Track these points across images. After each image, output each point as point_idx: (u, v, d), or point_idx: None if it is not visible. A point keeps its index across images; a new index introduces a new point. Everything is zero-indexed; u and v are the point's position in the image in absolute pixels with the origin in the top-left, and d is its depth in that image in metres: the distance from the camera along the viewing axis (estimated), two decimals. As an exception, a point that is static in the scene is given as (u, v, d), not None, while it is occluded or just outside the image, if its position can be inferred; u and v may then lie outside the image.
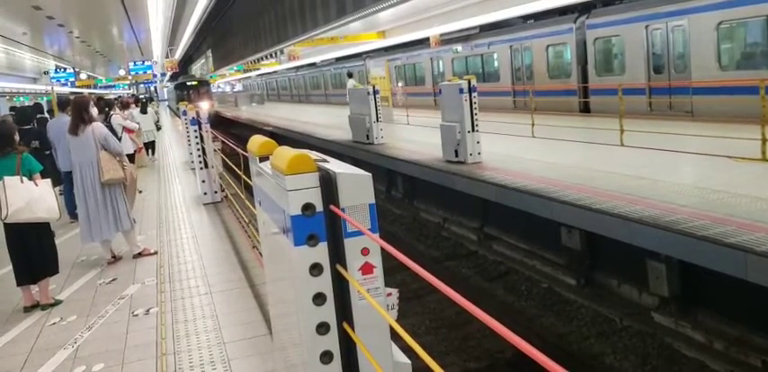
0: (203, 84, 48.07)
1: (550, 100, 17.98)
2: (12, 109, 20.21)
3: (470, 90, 10.34)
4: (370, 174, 2.29)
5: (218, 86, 74.95)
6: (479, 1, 19.30)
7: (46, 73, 39.58)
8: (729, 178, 7.77)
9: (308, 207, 2.21)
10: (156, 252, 7.51)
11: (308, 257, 2.23)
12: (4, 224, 5.77)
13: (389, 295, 2.46)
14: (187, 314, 5.36)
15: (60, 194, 9.41)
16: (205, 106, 35.16)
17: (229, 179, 11.22)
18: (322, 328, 2.26)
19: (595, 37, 16.82)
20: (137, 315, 5.47)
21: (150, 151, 18.36)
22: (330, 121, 22.86)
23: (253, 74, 57.59)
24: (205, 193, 10.60)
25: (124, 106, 15.46)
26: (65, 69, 39.15)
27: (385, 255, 2.19)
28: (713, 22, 13.15)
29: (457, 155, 10.71)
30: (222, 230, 8.55)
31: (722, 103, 12.24)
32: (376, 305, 2.15)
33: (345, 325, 2.28)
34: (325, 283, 2.26)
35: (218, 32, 38.74)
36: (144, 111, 18.30)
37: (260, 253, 5.57)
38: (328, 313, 2.27)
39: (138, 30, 28.93)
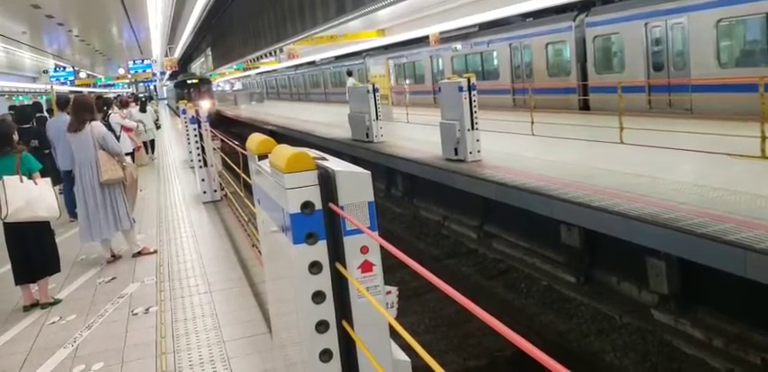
0: (204, 82, 46.54)
1: (550, 98, 17.98)
2: (11, 108, 20.18)
3: (470, 88, 10.33)
4: (369, 172, 2.29)
5: (218, 85, 74.89)
6: (478, -1, 19.29)
7: (45, 72, 39.55)
8: (729, 175, 7.77)
9: (306, 205, 2.20)
10: (155, 251, 7.51)
11: (307, 255, 2.23)
12: (4, 223, 5.76)
13: (389, 293, 2.46)
14: (186, 313, 5.36)
15: (60, 193, 9.40)
16: (206, 105, 35.14)
17: (229, 177, 11.22)
18: (321, 326, 2.26)
19: (595, 35, 16.81)
20: (136, 314, 5.47)
21: (150, 150, 18.36)
22: (330, 120, 22.86)
23: (252, 72, 57.53)
24: (204, 192, 10.60)
25: (123, 105, 15.44)
26: (64, 68, 39.13)
27: (384, 253, 2.18)
28: (712, 20, 13.14)
29: (456, 153, 10.71)
30: (222, 229, 8.55)
31: (721, 101, 12.23)
32: (375, 303, 2.15)
33: (345, 323, 2.27)
34: (324, 281, 2.25)
35: (218, 31, 38.73)
36: (143, 110, 18.29)
37: (259, 252, 5.57)
38: (328, 311, 2.26)
39: (137, 28, 28.92)
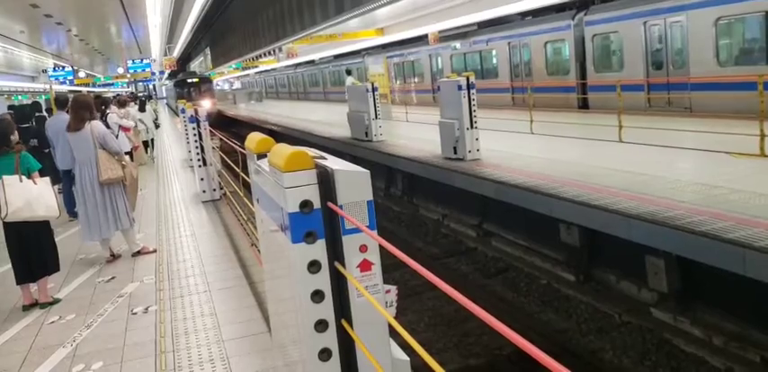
0: (205, 81, 45.09)
1: (549, 96, 17.99)
2: (10, 107, 20.18)
3: (469, 87, 10.33)
4: (368, 171, 2.29)
5: (217, 84, 74.85)
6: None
7: (44, 71, 39.52)
8: (728, 174, 7.77)
9: (305, 204, 2.20)
10: (155, 251, 7.51)
11: (306, 254, 2.23)
12: (3, 222, 5.76)
13: (388, 292, 2.46)
14: (186, 312, 5.36)
15: (59, 193, 9.40)
16: (207, 105, 34.98)
17: (228, 176, 11.21)
18: (320, 325, 2.25)
19: (594, 33, 16.81)
20: (135, 314, 5.47)
21: (150, 149, 18.35)
22: (331, 119, 22.86)
23: (251, 71, 57.48)
24: (204, 191, 10.60)
25: (121, 105, 15.43)
26: (63, 67, 39.09)
27: (384, 252, 2.18)
28: (711, 18, 13.14)
29: (456, 152, 10.71)
30: (221, 228, 8.54)
31: (721, 99, 12.24)
32: (374, 302, 2.15)
33: (344, 322, 2.27)
34: (323, 280, 2.25)
35: (217, 30, 38.61)
36: (142, 109, 18.28)
37: (258, 251, 5.57)
38: (327, 310, 2.26)
39: (136, 27, 28.90)
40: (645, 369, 6.98)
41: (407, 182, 15.01)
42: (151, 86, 69.59)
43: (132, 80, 49.30)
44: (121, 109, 14.55)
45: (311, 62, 43.00)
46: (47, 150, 10.12)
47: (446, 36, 24.17)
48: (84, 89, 43.34)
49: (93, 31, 29.76)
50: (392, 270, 9.55)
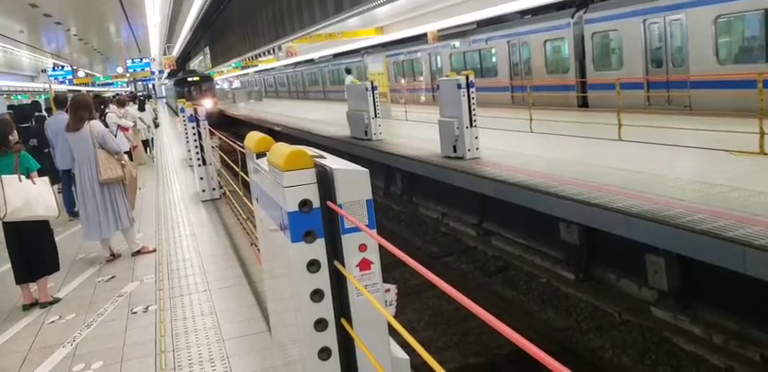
0: (206, 80, 43.47)
1: (548, 95, 17.98)
2: (10, 107, 20.16)
3: (468, 85, 10.33)
4: (368, 170, 2.29)
5: (217, 83, 74.72)
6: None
7: (44, 71, 39.45)
8: (728, 172, 7.77)
9: (305, 203, 2.20)
10: (154, 250, 7.50)
11: (305, 253, 2.22)
12: (3, 222, 5.76)
13: (387, 291, 2.46)
14: (186, 312, 5.36)
15: (59, 192, 9.40)
16: (208, 104, 34.78)
17: (227, 176, 11.21)
18: (320, 324, 2.25)
19: (593, 32, 16.81)
20: (135, 313, 5.47)
21: (150, 148, 18.35)
22: (331, 118, 22.86)
23: (250, 70, 57.43)
24: (203, 190, 10.60)
25: (120, 104, 15.43)
26: (62, 67, 39.01)
27: (384, 251, 2.18)
28: (711, 16, 13.13)
29: (455, 151, 10.71)
30: (220, 227, 8.54)
31: (720, 97, 12.23)
32: (374, 301, 2.15)
33: (344, 321, 2.27)
34: (322, 279, 2.25)
35: (216, 29, 38.53)
36: (142, 109, 18.27)
37: (258, 250, 5.57)
38: (326, 309, 2.26)
39: (135, 27, 28.85)
40: (645, 368, 6.99)
41: (407, 181, 15.02)
42: (150, 86, 69.53)
43: (132, 79, 49.20)
44: (121, 108, 14.55)
45: (310, 61, 42.90)
46: (46, 150, 10.11)
47: (445, 35, 24.15)
48: (83, 88, 43.30)
49: (92, 31, 29.72)
50: (392, 268, 9.56)
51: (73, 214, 9.25)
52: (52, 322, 5.46)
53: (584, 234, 8.81)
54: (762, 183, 6.98)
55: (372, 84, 14.58)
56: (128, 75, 42.03)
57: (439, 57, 25.96)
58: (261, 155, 2.75)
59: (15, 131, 6.14)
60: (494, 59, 22.16)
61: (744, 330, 6.76)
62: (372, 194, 2.31)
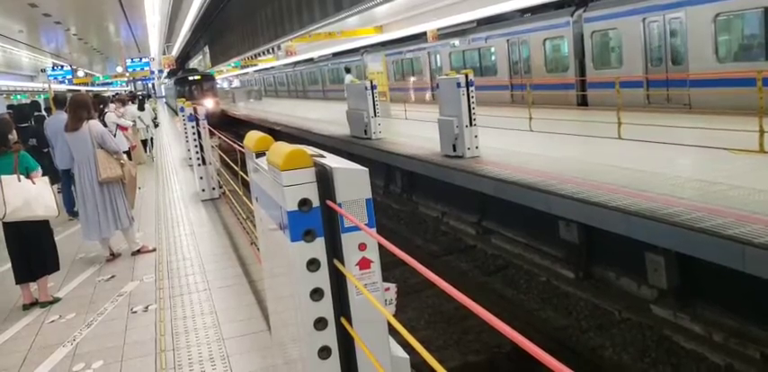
0: (207, 78, 41.57)
1: (548, 93, 17.98)
2: (9, 107, 20.16)
3: (468, 84, 10.33)
4: (367, 169, 2.29)
5: (216, 82, 74.58)
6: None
7: (43, 70, 39.42)
8: (727, 170, 7.77)
9: (304, 202, 2.20)
10: (154, 249, 7.51)
11: (305, 252, 2.23)
12: (3, 222, 5.76)
13: (387, 290, 2.46)
14: (186, 311, 5.36)
15: (58, 192, 9.40)
16: (209, 104, 34.52)
17: (227, 175, 11.21)
18: (320, 323, 2.26)
19: (593, 30, 16.80)
20: (135, 312, 5.48)
21: (150, 148, 18.35)
22: (331, 117, 22.86)
23: (250, 69, 57.38)
24: (203, 190, 10.60)
25: (120, 103, 15.43)
26: (62, 67, 38.99)
27: (383, 250, 2.18)
28: (710, 15, 13.13)
29: (455, 150, 10.70)
30: (220, 226, 8.54)
31: (720, 96, 12.23)
32: (373, 300, 2.15)
33: (343, 320, 2.27)
34: (322, 278, 2.25)
35: (216, 28, 38.46)
36: (141, 108, 18.27)
37: (258, 249, 5.58)
38: (326, 308, 2.26)
39: (134, 26, 28.84)
40: (645, 366, 6.99)
41: (407, 180, 15.02)
42: (150, 85, 69.51)
43: (131, 79, 49.16)
44: (120, 107, 14.54)
45: (310, 60, 42.82)
46: (46, 150, 10.10)
47: (445, 33, 24.13)
48: (83, 88, 43.24)
49: (91, 30, 29.71)
50: (391, 267, 9.56)
51: (72, 214, 9.25)
52: (52, 321, 5.46)
53: (583, 232, 8.82)
54: (761, 181, 6.98)
55: (372, 83, 14.58)
56: (127, 74, 42.01)
57: (438, 56, 25.95)
58: (260, 154, 2.75)
59: (15, 131, 6.14)
60: (493, 58, 22.15)
61: (743, 328, 6.77)
62: (372, 193, 2.31)
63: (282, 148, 2.27)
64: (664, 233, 6.06)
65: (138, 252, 7.38)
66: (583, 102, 17.31)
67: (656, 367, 6.91)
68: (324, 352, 2.27)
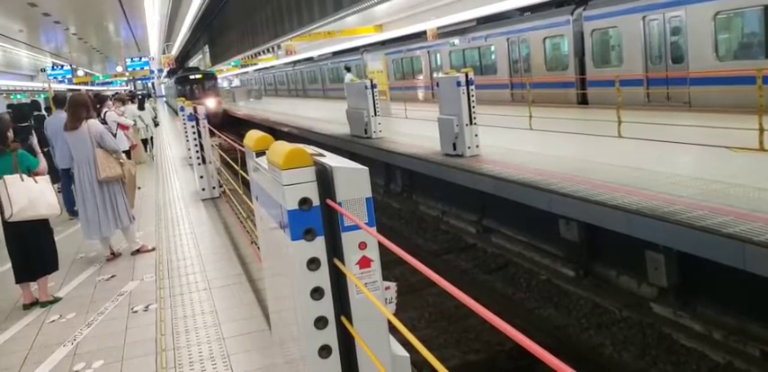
0: (209, 77, 40.04)
1: (548, 92, 17.97)
2: (9, 106, 20.15)
3: (468, 83, 10.32)
4: (367, 168, 2.29)
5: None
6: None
7: (43, 70, 39.44)
8: (727, 168, 7.77)
9: (304, 201, 2.20)
10: (154, 249, 7.51)
11: (305, 251, 2.23)
12: (3, 222, 5.76)
13: (387, 289, 2.46)
14: (186, 310, 5.37)
15: (58, 191, 9.40)
16: (211, 104, 34.28)
17: (227, 174, 11.20)
18: (320, 322, 2.26)
19: (592, 29, 16.79)
20: (136, 312, 5.48)
21: (150, 147, 18.35)
22: (331, 116, 22.86)
23: (250, 69, 57.37)
24: (203, 189, 10.60)
25: (120, 102, 15.43)
26: (62, 66, 39.01)
27: (383, 249, 2.18)
28: (710, 13, 13.12)
29: (455, 149, 10.70)
30: (221, 226, 8.55)
31: (720, 94, 12.23)
32: (374, 299, 2.15)
33: (344, 319, 2.27)
34: (322, 277, 2.25)
35: (215, 28, 38.43)
36: (141, 108, 18.28)
37: (258, 248, 5.58)
38: (326, 307, 2.26)
39: (134, 26, 28.86)
40: (645, 364, 6.99)
41: (407, 179, 15.01)
42: (150, 85, 69.51)
43: (131, 78, 49.12)
44: (120, 107, 14.54)
45: (310, 59, 42.77)
46: (45, 149, 10.09)
47: (445, 32, 24.12)
48: (82, 87, 43.21)
49: (91, 30, 29.72)
50: (392, 266, 9.55)
51: (73, 213, 9.25)
52: (53, 321, 5.47)
53: (583, 231, 8.81)
54: (761, 180, 6.98)
55: (372, 81, 14.57)
56: (127, 73, 41.98)
57: (438, 55, 25.94)
58: (260, 153, 2.76)
59: (12, 130, 6.13)
60: (493, 57, 22.14)
61: (744, 326, 6.77)
62: (372, 192, 2.31)
63: (282, 147, 2.27)
64: (664, 231, 6.06)
65: (138, 251, 7.39)
66: (583, 101, 17.31)
67: (656, 366, 6.91)
68: (324, 351, 2.27)
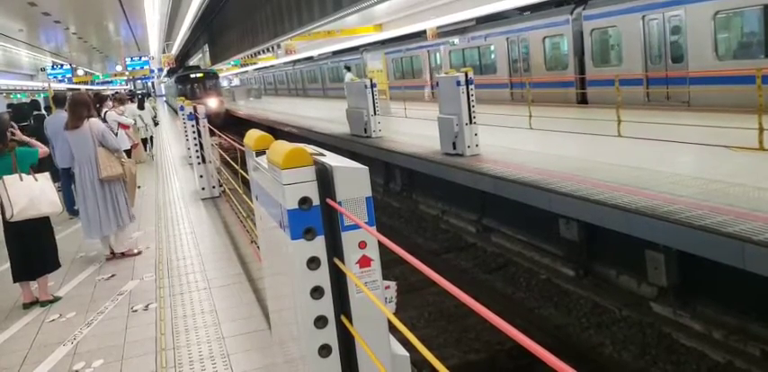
0: (210, 76, 39.01)
1: (548, 91, 17.97)
2: (9, 106, 20.16)
3: (467, 82, 10.32)
4: (367, 167, 2.29)
5: (217, 81, 74.38)
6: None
7: (43, 69, 39.40)
8: (727, 168, 7.77)
9: (304, 200, 2.20)
10: (140, 253, 7.40)
11: (305, 251, 2.22)
12: (3, 221, 5.76)
13: (387, 288, 2.46)
14: (186, 310, 5.37)
15: (58, 190, 9.38)
16: (213, 104, 34.09)
17: (227, 174, 11.20)
18: (320, 322, 2.25)
19: (592, 28, 16.79)
20: (136, 311, 5.48)
21: (150, 146, 18.35)
22: (331, 115, 22.86)
23: (249, 68, 57.34)
24: (203, 188, 10.60)
25: (120, 102, 15.42)
26: (61, 66, 38.98)
27: (383, 248, 2.18)
28: (710, 12, 13.12)
29: (455, 148, 10.70)
30: (220, 225, 8.55)
31: (719, 93, 12.23)
32: (373, 298, 2.15)
33: (344, 319, 2.27)
34: (322, 277, 2.25)
35: (215, 27, 38.38)
36: (141, 107, 18.28)
37: (258, 248, 5.58)
38: (326, 306, 2.26)
39: (134, 25, 28.84)
40: (645, 364, 6.99)
41: (407, 178, 15.01)
42: (150, 84, 69.47)
43: (131, 77, 49.06)
44: (120, 106, 14.54)
45: (310, 58, 42.72)
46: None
47: (444, 32, 24.12)
48: (82, 87, 43.18)
49: (91, 29, 29.70)
50: (392, 265, 9.55)
51: (73, 212, 9.25)
52: (52, 320, 5.47)
53: (583, 230, 8.81)
54: (761, 179, 6.98)
55: (371, 81, 14.57)
56: (127, 73, 41.95)
57: (438, 54, 25.93)
58: (260, 152, 2.75)
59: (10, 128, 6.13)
60: (493, 56, 22.14)
61: (744, 325, 6.77)
62: (372, 191, 2.31)
63: (282, 147, 2.26)
64: (664, 230, 6.06)
65: (123, 254, 7.28)
66: (582, 100, 17.31)
67: (656, 365, 6.91)
68: (324, 350, 2.27)
